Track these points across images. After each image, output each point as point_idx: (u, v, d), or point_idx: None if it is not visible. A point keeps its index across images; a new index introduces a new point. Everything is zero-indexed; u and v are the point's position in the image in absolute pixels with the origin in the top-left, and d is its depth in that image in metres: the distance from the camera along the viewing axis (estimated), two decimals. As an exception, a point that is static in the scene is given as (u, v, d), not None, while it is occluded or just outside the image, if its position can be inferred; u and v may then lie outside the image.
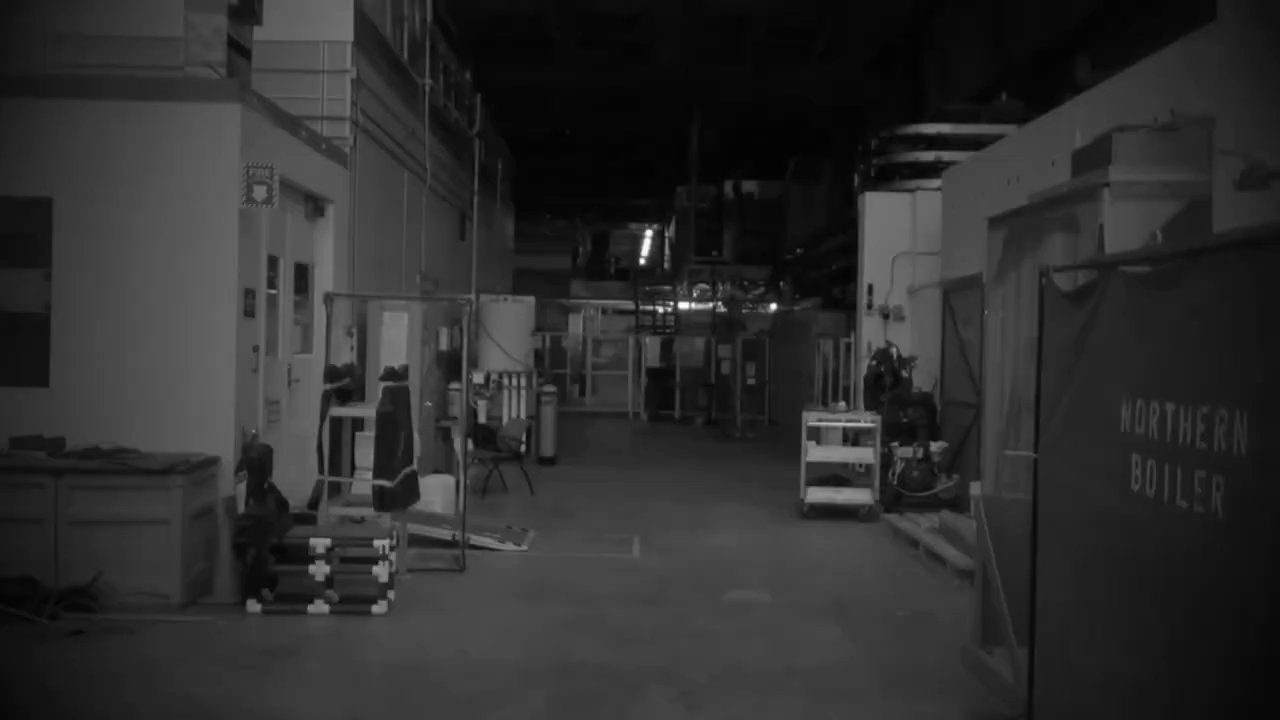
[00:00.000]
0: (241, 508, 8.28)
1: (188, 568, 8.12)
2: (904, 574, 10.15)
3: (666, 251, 41.91)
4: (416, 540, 10.08)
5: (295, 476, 9.99)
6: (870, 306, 16.62)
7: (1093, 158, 8.31)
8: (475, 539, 10.31)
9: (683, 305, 33.14)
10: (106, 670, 6.79)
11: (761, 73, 23.25)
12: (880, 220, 16.64)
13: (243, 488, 8.31)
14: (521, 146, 27.19)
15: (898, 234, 16.45)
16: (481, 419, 16.54)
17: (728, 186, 31.34)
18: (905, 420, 13.52)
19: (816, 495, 12.76)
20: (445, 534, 10.27)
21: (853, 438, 14.39)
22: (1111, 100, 9.60)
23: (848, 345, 18.15)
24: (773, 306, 30.76)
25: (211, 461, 8.54)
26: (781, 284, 29.84)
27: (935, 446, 12.99)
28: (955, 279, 14.16)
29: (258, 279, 9.50)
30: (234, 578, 8.23)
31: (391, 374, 9.14)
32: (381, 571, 8.20)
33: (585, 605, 8.65)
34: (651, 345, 30.83)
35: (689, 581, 9.60)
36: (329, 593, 8.17)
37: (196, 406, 8.72)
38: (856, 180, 19.39)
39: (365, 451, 10.08)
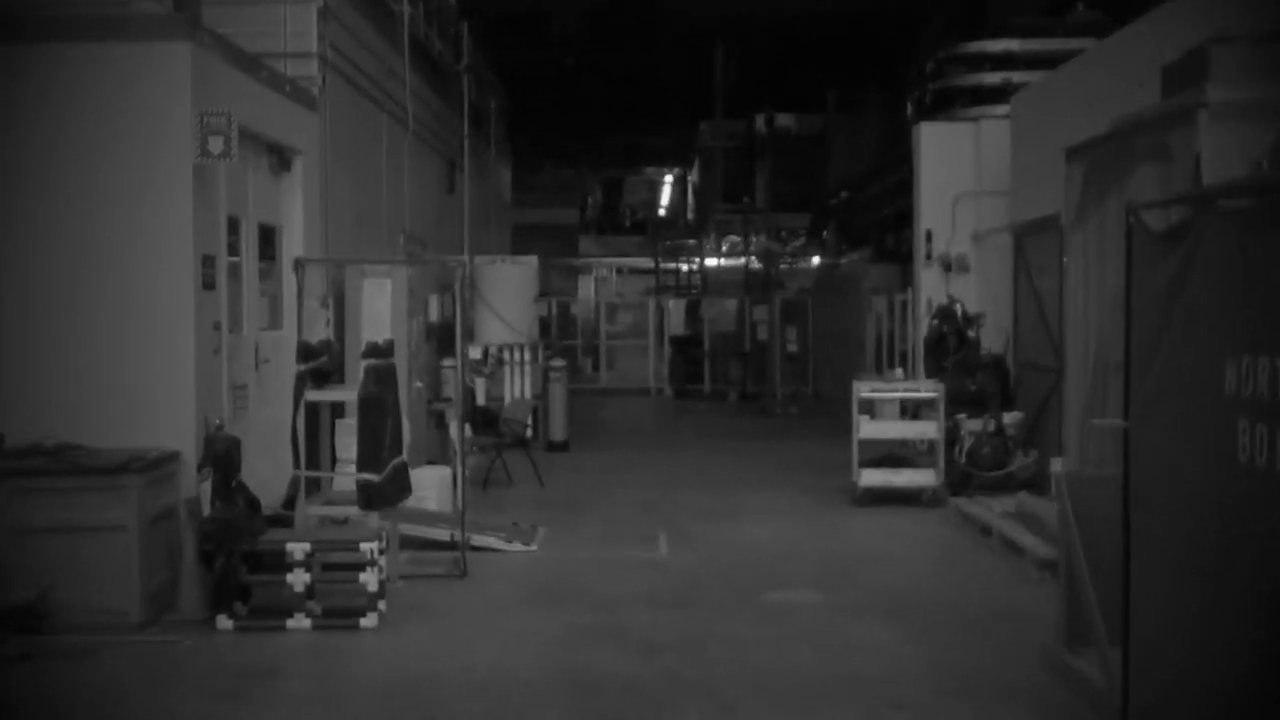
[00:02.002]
0: (207, 509, 8.34)
1: (147, 580, 8.19)
2: (974, 566, 10.15)
3: (689, 199, 41.85)
4: (409, 542, 10.13)
5: (267, 472, 10.04)
6: (929, 257, 16.56)
7: (1186, 75, 8.23)
8: (477, 539, 10.36)
9: (710, 262, 33.11)
10: (58, 701, 6.86)
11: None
12: (938, 156, 16.54)
13: (208, 486, 8.37)
14: (517, 81, 27.12)
15: (959, 171, 16.36)
16: (480, 400, 16.58)
17: (759, 121, 31.21)
18: (973, 388, 13.48)
19: (871, 478, 12.76)
20: (442, 534, 10.32)
21: (912, 410, 14.36)
22: (1207, 7, 9.50)
23: (904, 303, 18.10)
24: (815, 260, 30.68)
25: (170, 457, 8.59)
26: (825, 233, 29.74)
27: (1009, 418, 12.96)
28: (1028, 221, 14.08)
29: (217, 244, 9.52)
30: (201, 590, 8.29)
31: (375, 350, 9.16)
32: (370, 579, 8.25)
33: (605, 611, 8.69)
34: (675, 309, 30.82)
35: (724, 581, 9.62)
36: (310, 605, 8.22)
37: (151, 394, 8.76)
38: (910, 110, 19.27)
39: (347, 441, 10.12)
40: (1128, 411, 5.24)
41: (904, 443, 15.09)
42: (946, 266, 16.41)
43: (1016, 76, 15.98)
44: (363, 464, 8.93)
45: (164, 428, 8.71)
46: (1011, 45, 16.46)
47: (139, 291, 8.80)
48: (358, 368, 9.33)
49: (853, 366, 19.24)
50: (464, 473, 10.32)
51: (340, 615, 8.25)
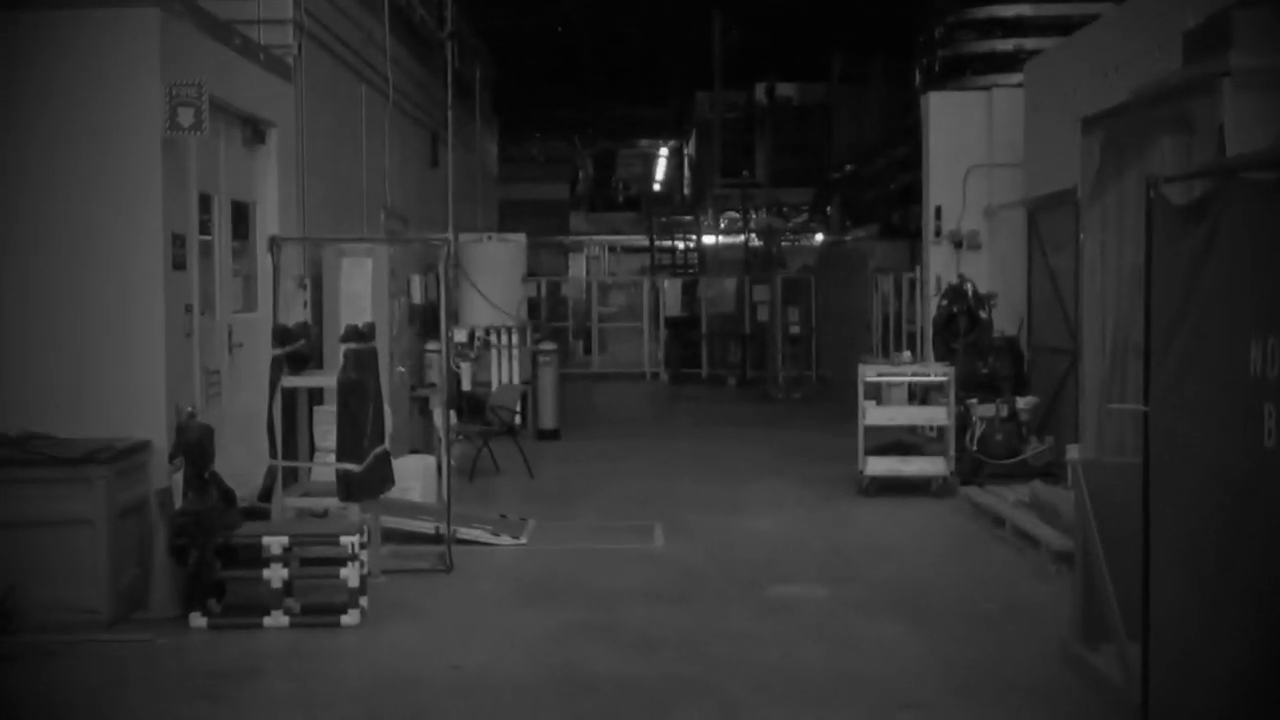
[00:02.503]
0: (179, 502, 8.34)
1: (117, 576, 8.19)
2: (987, 558, 10.17)
3: (686, 173, 41.76)
4: (392, 535, 10.14)
5: (242, 462, 10.04)
6: (938, 233, 16.55)
7: (1208, 41, 8.23)
8: (463, 532, 10.37)
9: (708, 239, 33.07)
10: (23, 703, 6.87)
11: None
12: (948, 127, 16.53)
13: (179, 477, 8.36)
14: (504, 49, 27.05)
15: (970, 143, 16.35)
16: (466, 386, 16.57)
17: (759, 91, 31.14)
18: (985, 371, 13.49)
19: (878, 466, 12.78)
20: (427, 527, 10.33)
21: (921, 395, 14.39)
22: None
23: (912, 282, 18.10)
24: (818, 237, 30.66)
25: (140, 447, 8.59)
26: (828, 209, 29.71)
27: (1023, 403, 12.98)
28: (1042, 196, 14.08)
29: (187, 222, 9.50)
30: (173, 586, 8.30)
31: (355, 334, 9.16)
32: (351, 574, 8.26)
33: (599, 607, 8.70)
34: (671, 289, 30.82)
35: (724, 575, 9.65)
36: (288, 602, 8.23)
37: (119, 381, 8.76)
38: (918, 78, 19.25)
39: (326, 429, 10.11)
40: (1147, 395, 5.25)
41: (912, 429, 15.11)
42: (957, 244, 16.41)
43: (1030, 43, 15.96)
44: (343, 453, 8.93)
45: (133, 416, 8.71)
46: (1024, 10, 16.44)
47: (105, 273, 8.79)
48: (337, 352, 9.32)
49: (858, 349, 19.25)
50: (449, 462, 10.32)
51: (320, 612, 8.25)
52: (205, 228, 10.27)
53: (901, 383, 14.18)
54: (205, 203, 10.25)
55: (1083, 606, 6.68)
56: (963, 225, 16.41)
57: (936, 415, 13.19)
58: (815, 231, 31.28)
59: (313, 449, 10.80)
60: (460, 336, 16.72)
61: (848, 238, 25.88)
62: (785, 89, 31.12)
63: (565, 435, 17.39)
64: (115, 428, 8.62)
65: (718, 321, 27.92)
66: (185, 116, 8.88)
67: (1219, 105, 7.78)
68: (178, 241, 9.17)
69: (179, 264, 9.18)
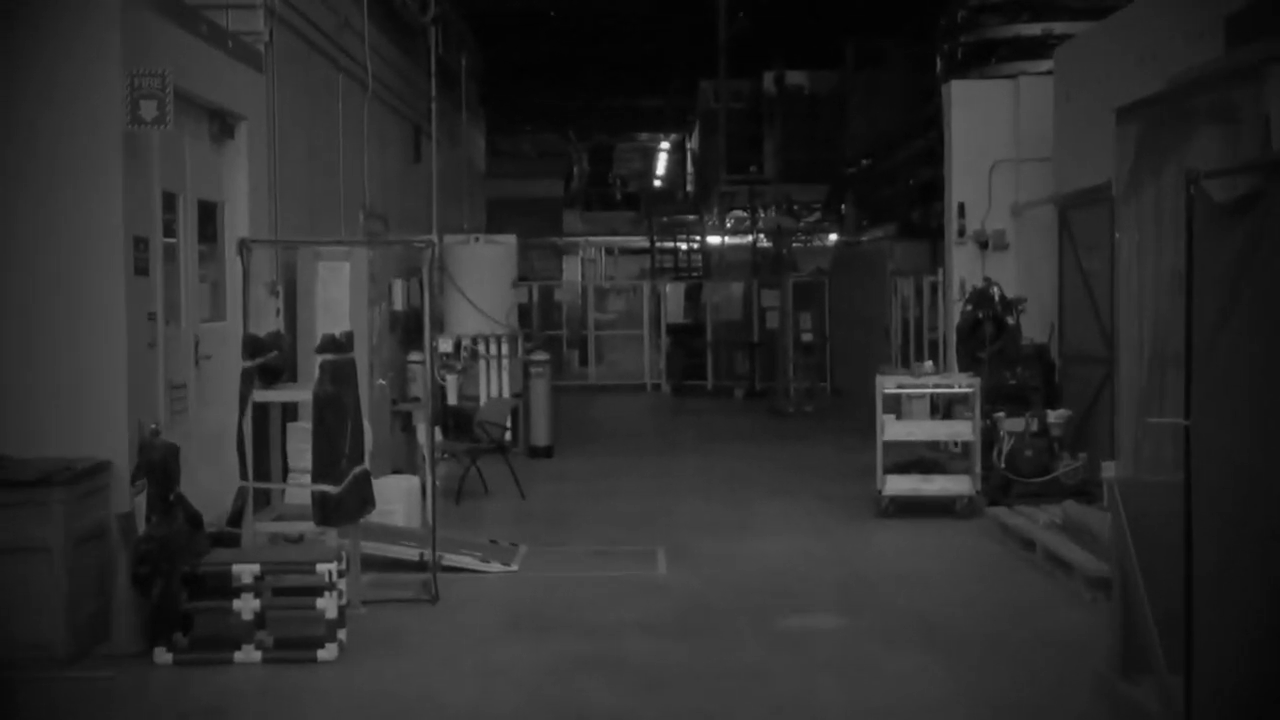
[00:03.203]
0: (142, 527, 8.33)
1: (75, 608, 8.18)
2: (1016, 585, 10.16)
3: (689, 169, 41.80)
4: (373, 562, 10.13)
5: (210, 484, 10.03)
6: (962, 233, 16.56)
7: (1253, 25, 8.24)
8: (450, 558, 10.36)
9: (712, 240, 33.08)
10: (-26, 744, 6.86)
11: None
12: (972, 118, 16.54)
13: (143, 500, 8.36)
14: (492, 35, 27.08)
15: (996, 135, 16.36)
16: (452, 399, 16.56)
17: (768, 80, 31.17)
18: (1013, 382, 13.48)
19: (898, 485, 12.77)
20: (410, 553, 10.32)
21: (944, 408, 14.36)
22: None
23: (933, 285, 18.10)
24: (832, 238, 30.67)
25: (100, 468, 8.58)
26: (843, 207, 29.72)
27: (1054, 416, 12.97)
28: (1074, 192, 14.09)
29: (150, 224, 9.50)
30: (136, 619, 8.29)
31: (332, 344, 9.16)
32: (328, 605, 8.25)
33: (598, 639, 8.69)
34: (673, 294, 30.80)
35: (733, 604, 9.64)
36: (260, 635, 8.22)
37: (77, 396, 8.74)
38: (939, 65, 19.25)
39: (301, 448, 10.11)
40: (1189, 407, 5.25)
41: (935, 445, 15.10)
42: (982, 244, 16.41)
43: (1060, 27, 15.98)
44: (319, 474, 8.92)
45: (92, 434, 8.69)
46: (1054, -10, 16.48)
47: (62, 279, 8.78)
48: (312, 364, 9.33)
49: (876, 358, 19.25)
50: (434, 483, 10.32)
51: (294, 646, 8.24)
52: (170, 229, 10.26)
53: (923, 395, 14.15)
54: (169, 202, 10.24)
55: (1120, 636, 6.68)
56: (988, 224, 16.41)
57: (961, 430, 13.18)
58: (829, 231, 31.28)
59: (286, 469, 10.79)
60: (445, 346, 16.71)
61: (864, 238, 25.88)
62: (796, 77, 31.14)
63: (559, 453, 17.37)
64: (73, 447, 8.61)
65: (724, 329, 27.90)
66: (148, 109, 8.88)
67: (1265, 93, 7.78)
68: (140, 244, 9.16)
69: (141, 269, 9.17)
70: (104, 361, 8.81)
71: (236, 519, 9.27)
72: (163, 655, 8.09)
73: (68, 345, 8.78)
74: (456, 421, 16.28)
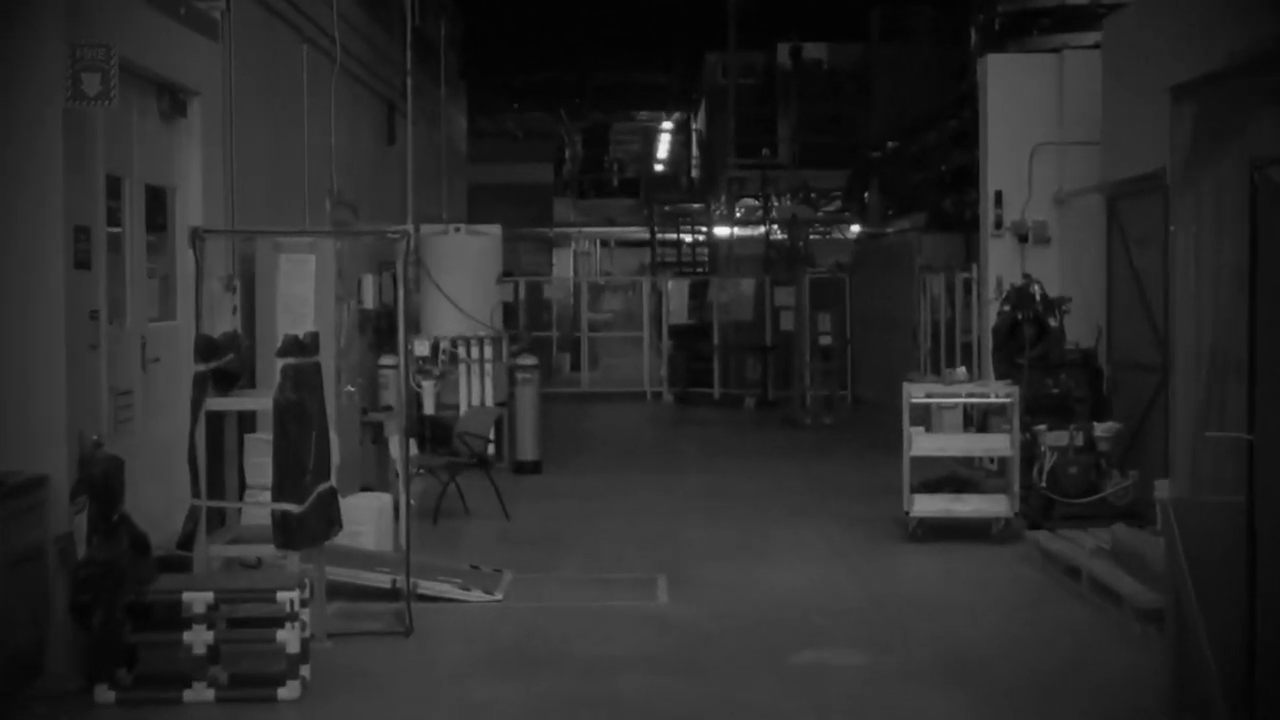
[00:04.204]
0: (82, 550, 8.32)
1: (6, 640, 8.17)
2: (1059, 617, 10.16)
3: (694, 152, 41.85)
4: (340, 590, 10.13)
5: (158, 502, 10.02)
6: (999, 225, 16.55)
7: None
8: (426, 586, 10.35)
9: (720, 231, 33.10)
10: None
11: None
12: (1011, 96, 16.53)
13: (83, 520, 8.35)
14: (475, 1, 27.12)
15: (1037, 116, 16.35)
16: (429, 409, 16.55)
17: (783, 52, 31.20)
18: (1056, 391, 13.47)
19: (927, 506, 12.77)
20: (382, 580, 10.31)
21: (978, 420, 14.37)
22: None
23: (967, 283, 18.10)
24: (854, 229, 30.69)
25: (35, 483, 8.57)
26: (866, 195, 29.73)
27: (1101, 429, 12.97)
28: (1124, 180, 14.08)
29: (93, 212, 9.49)
30: (75, 652, 8.28)
31: (294, 346, 9.15)
32: (290, 638, 8.25)
33: (591, 677, 8.68)
34: (676, 292, 30.81)
35: (741, 638, 9.63)
36: (214, 671, 8.21)
37: (10, 403, 8.73)
38: (973, 37, 19.27)
39: (260, 462, 10.11)
40: (1252, 420, 5.26)
41: (969, 461, 15.09)
42: (1021, 237, 16.40)
43: (1109, -5, 15.99)
44: (280, 491, 8.92)
45: (26, 446, 8.68)
46: (1103, -46, 16.48)
47: (-6, 272, 8.78)
48: (273, 368, 9.32)
49: (902, 364, 19.23)
50: (409, 502, 10.32)
51: (252, 684, 8.24)
52: (114, 218, 10.26)
53: (955, 405, 14.18)
54: (114, 188, 10.24)
55: (1174, 674, 6.68)
56: (1028, 215, 16.40)
57: (997, 444, 13.17)
58: (850, 222, 31.29)
59: (243, 486, 10.79)
60: (422, 349, 16.71)
61: (889, 230, 25.86)
62: (814, 50, 31.15)
63: (549, 468, 17.37)
64: (5, 460, 8.60)
65: (732, 331, 27.89)
66: (90, 84, 8.88)
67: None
68: (81, 235, 9.16)
69: (82, 262, 9.17)
70: (40, 365, 8.80)
71: (188, 541, 9.25)
72: (104, 694, 8.08)
73: (0, 347, 8.77)
74: (434, 433, 16.25)
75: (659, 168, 47.95)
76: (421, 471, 14.16)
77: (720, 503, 15.15)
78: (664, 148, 48.32)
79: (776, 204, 30.95)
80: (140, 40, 10.19)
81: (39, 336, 8.82)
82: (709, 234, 34.53)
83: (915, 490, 12.80)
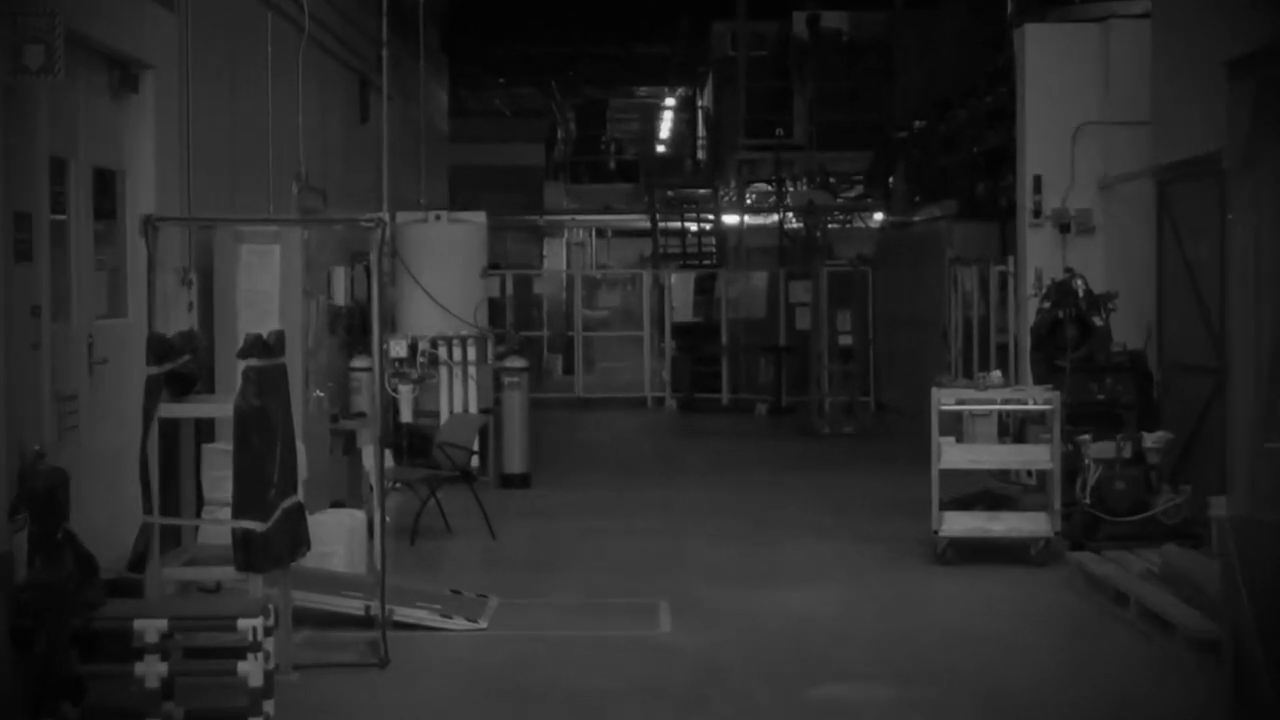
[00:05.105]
0: (22, 572, 8.32)
1: (-62, 671, 8.18)
2: (1104, 648, 10.16)
3: (700, 132, 41.87)
4: (308, 617, 10.13)
5: (106, 519, 10.02)
6: (1038, 213, 16.55)
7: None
8: (402, 613, 10.35)
9: (729, 220, 33.11)
10: None
11: None
12: (1051, 71, 16.54)
13: (23, 539, 8.35)
14: (457, -34, 27.17)
15: (1080, 92, 16.36)
16: (406, 416, 16.55)
17: (798, 21, 31.20)
18: (1101, 397, 13.48)
19: (958, 524, 12.76)
20: (354, 606, 10.32)
21: (1015, 429, 14.35)
22: None
23: (1003, 276, 18.10)
24: (877, 217, 30.70)
25: (-30, 498, 8.58)
26: (890, 180, 29.74)
27: (1151, 439, 12.96)
28: (1177, 163, 14.09)
29: (35, 197, 9.50)
30: (15, 685, 8.28)
31: (258, 346, 9.16)
32: (253, 670, 8.24)
33: (585, 715, 8.70)
34: (680, 287, 30.80)
35: (752, 670, 9.63)
36: (168, 706, 8.21)
37: (-58, 409, 8.75)
38: (1010, 5, 19.27)
39: (219, 475, 10.11)
40: (1319, 431, 5.26)
41: (1004, 475, 15.08)
42: (1063, 226, 16.41)
43: (1161, -42, 16.00)
44: (241, 507, 8.92)
45: (-40, 457, 8.69)
46: (1153, -86, 16.49)
47: (-75, 265, 8.79)
48: (233, 371, 9.33)
49: (931, 367, 19.23)
50: (384, 519, 10.32)
51: (211, 720, 8.25)
52: (58, 204, 10.26)
53: (989, 412, 14.16)
54: (59, 170, 10.24)
55: (1230, 709, 6.69)
56: (1070, 202, 16.40)
57: (1036, 456, 13.16)
58: (872, 210, 31.30)
59: (201, 501, 10.79)
60: (398, 350, 16.71)
61: (916, 218, 25.86)
62: (832, 19, 31.15)
63: (538, 481, 17.38)
64: (-63, 473, 8.61)
65: (743, 330, 27.91)
66: (33, 56, 8.87)
67: None
68: (21, 223, 9.16)
69: (23, 253, 9.17)
70: (-24, 367, 8.81)
71: (139, 562, 9.26)
72: (47, 731, 8.09)
73: (-69, 347, 8.78)
74: (412, 443, 16.25)
75: (661, 149, 48.00)
76: (398, 486, 14.16)
77: (729, 521, 15.15)
78: (666, 127, 48.38)
79: (791, 189, 30.94)
80: (88, 9, 10.19)
81: (-26, 336, 8.82)
82: (716, 223, 34.53)
83: (945, 507, 12.80)
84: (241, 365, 9.06)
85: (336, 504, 12.97)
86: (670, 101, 46.04)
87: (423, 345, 17.02)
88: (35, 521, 8.33)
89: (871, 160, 30.67)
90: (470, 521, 14.23)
